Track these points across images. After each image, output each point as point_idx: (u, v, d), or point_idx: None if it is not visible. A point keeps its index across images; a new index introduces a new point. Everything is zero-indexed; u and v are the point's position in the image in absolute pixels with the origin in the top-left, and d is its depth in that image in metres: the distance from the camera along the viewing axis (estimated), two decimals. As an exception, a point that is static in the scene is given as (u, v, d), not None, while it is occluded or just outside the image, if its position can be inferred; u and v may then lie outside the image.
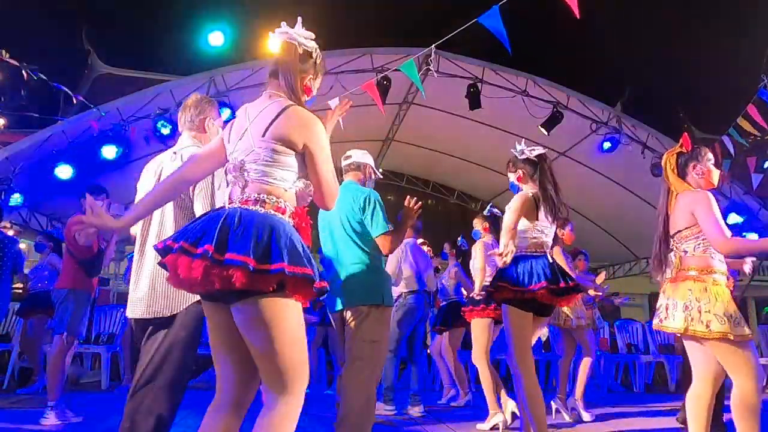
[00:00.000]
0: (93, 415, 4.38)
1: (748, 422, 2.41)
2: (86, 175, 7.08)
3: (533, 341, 3.18)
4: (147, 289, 2.33)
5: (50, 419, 3.99)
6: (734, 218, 8.32)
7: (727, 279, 2.59)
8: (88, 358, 7.20)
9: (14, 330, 6.73)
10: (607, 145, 8.48)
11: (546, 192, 3.11)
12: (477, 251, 4.59)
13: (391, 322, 3.88)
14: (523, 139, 3.36)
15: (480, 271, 4.45)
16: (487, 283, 4.38)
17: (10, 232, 7.36)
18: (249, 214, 1.68)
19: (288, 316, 1.66)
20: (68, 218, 4.45)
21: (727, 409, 2.59)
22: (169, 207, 2.38)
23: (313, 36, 1.93)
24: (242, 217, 1.67)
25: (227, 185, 1.85)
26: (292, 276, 1.61)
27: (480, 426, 4.17)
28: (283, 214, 1.75)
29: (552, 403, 4.70)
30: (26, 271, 5.99)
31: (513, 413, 4.10)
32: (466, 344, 6.30)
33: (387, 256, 3.10)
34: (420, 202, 3.16)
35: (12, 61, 5.69)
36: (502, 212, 3.30)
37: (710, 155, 2.75)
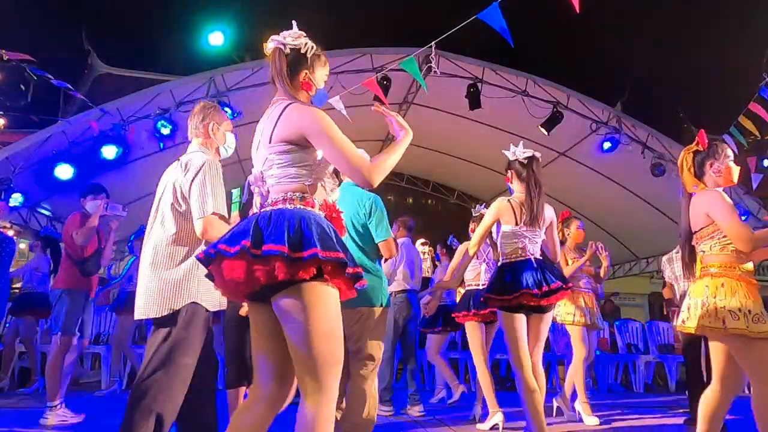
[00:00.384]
0: (93, 415, 4.38)
1: None
2: (86, 175, 7.08)
3: (542, 338, 3.25)
4: (141, 290, 2.37)
5: (50, 419, 3.99)
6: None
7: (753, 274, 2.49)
8: (88, 358, 7.21)
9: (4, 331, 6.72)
10: (607, 145, 8.46)
11: (528, 195, 3.21)
12: (457, 252, 4.65)
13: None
14: (521, 141, 3.39)
15: (449, 271, 4.56)
16: (480, 287, 4.44)
17: (10, 232, 7.36)
18: (279, 212, 1.75)
19: (326, 303, 1.71)
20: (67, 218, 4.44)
21: (732, 411, 2.57)
22: (168, 212, 2.40)
23: (302, 34, 1.94)
24: (272, 215, 1.73)
25: (247, 195, 1.91)
26: (326, 260, 1.66)
27: (480, 426, 4.17)
28: (312, 207, 1.79)
29: (554, 401, 4.70)
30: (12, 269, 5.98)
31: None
32: (464, 344, 6.34)
33: (387, 260, 3.17)
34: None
35: (13, 60, 5.68)
36: None
37: (729, 151, 2.64)
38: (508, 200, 3.26)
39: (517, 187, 3.30)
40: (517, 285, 3.08)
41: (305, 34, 1.94)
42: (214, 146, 2.60)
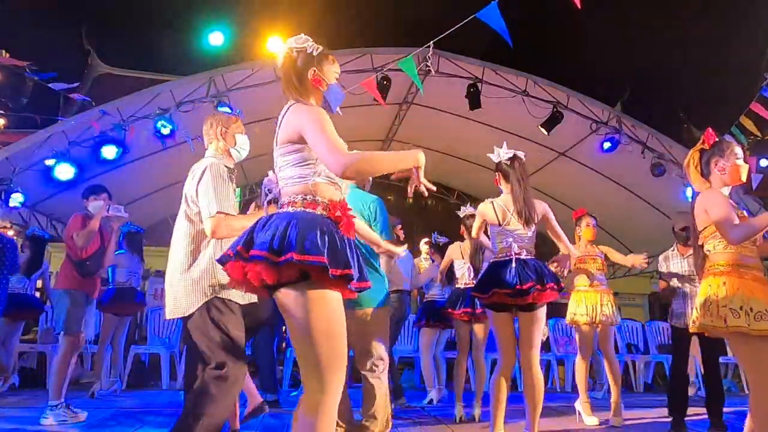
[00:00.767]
0: (93, 415, 4.38)
1: None
2: (86, 175, 7.09)
3: (533, 337, 3.21)
4: (168, 292, 2.49)
5: (50, 419, 3.99)
6: (734, 218, 8.30)
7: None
8: (88, 358, 7.21)
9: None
10: (607, 145, 8.46)
11: (514, 195, 3.25)
12: (448, 252, 4.88)
13: None
14: (519, 141, 3.42)
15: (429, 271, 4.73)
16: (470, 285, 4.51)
17: (10, 233, 7.36)
18: (279, 214, 1.78)
19: (323, 302, 1.72)
20: (68, 218, 4.44)
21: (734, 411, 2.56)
22: (183, 217, 2.55)
23: (307, 38, 1.97)
24: (271, 219, 1.77)
25: (264, 196, 1.98)
26: (301, 264, 1.66)
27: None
28: (314, 209, 1.79)
29: (575, 405, 4.64)
30: None
31: None
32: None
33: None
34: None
35: (14, 61, 5.68)
36: None
37: (737, 149, 2.59)
38: (491, 202, 3.35)
39: (504, 188, 3.35)
40: (492, 283, 3.16)
41: (310, 39, 1.98)
42: (225, 150, 2.69)
